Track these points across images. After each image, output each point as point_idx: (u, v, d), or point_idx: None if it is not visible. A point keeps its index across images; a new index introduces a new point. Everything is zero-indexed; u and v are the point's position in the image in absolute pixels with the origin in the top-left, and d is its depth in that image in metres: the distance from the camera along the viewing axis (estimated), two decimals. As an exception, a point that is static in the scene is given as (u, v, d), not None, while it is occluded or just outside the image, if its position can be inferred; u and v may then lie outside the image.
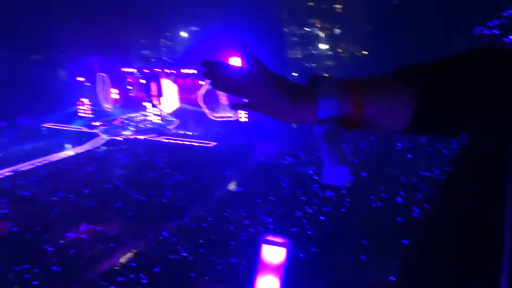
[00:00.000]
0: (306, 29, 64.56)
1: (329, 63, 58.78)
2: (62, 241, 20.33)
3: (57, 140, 39.68)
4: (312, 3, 65.36)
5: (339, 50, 61.87)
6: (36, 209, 23.75)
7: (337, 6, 64.63)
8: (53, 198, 25.42)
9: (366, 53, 54.59)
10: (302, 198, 23.37)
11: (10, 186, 27.93)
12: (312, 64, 59.47)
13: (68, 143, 37.84)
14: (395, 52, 38.76)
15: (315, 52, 62.15)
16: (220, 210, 23.09)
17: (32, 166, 32.12)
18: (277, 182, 26.39)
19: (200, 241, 19.72)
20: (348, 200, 22.48)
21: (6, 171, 30.72)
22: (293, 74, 54.50)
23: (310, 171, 27.61)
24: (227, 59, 39.15)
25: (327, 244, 18.14)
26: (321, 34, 63.64)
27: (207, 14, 50.56)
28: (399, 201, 21.22)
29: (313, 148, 32.05)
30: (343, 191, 23.54)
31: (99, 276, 17.75)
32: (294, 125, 40.46)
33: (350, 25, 59.67)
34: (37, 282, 17.10)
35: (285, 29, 58.95)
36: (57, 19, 47.10)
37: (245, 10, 44.63)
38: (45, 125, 46.95)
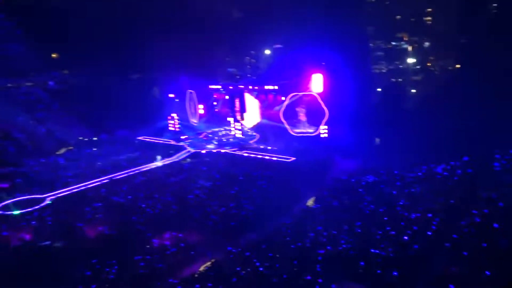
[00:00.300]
0: (393, 43, 62.29)
1: (416, 78, 55.82)
2: (148, 246, 21.62)
3: (148, 152, 42.72)
4: (399, 16, 62.98)
5: (428, 64, 58.54)
6: (126, 215, 25.67)
7: (427, 18, 61.43)
8: (142, 205, 27.28)
9: (459, 66, 50.90)
10: (383, 217, 22.17)
11: (106, 192, 30.57)
12: (398, 79, 57.07)
13: (158, 155, 40.44)
14: (490, 65, 35.67)
15: (402, 67, 59.48)
16: (297, 225, 22.84)
17: (125, 175, 34.92)
18: (357, 200, 25.42)
19: (277, 255, 19.62)
20: (435, 222, 20.81)
21: (104, 179, 33.81)
22: (378, 89, 52.80)
23: (393, 191, 26.16)
24: (310, 76, 39.30)
25: (410, 268, 16.90)
26: (409, 48, 60.84)
27: (291, 31, 51.21)
28: (496, 227, 19.07)
29: (397, 166, 30.48)
30: (429, 214, 21.88)
31: (180, 282, 18.51)
32: (378, 141, 38.94)
33: (441, 38, 56.27)
34: (124, 282, 18.37)
35: (370, 44, 57.53)
36: (153, 41, 51.14)
37: (329, 26, 44.40)
38: (139, 137, 50.97)
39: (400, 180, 27.98)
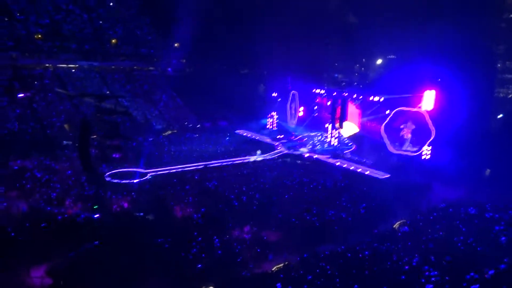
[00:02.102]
0: (527, 66, 55.29)
1: (551, 107, 48.72)
2: (227, 236, 22.40)
3: (244, 145, 44.24)
4: (539, 37, 55.60)
5: None
6: (214, 201, 26.91)
7: None
8: (230, 195, 28.35)
9: None
10: (480, 258, 19.85)
11: (199, 178, 32.36)
12: (527, 107, 50.46)
13: (254, 150, 41.64)
14: None
15: (534, 94, 52.52)
16: (379, 245, 21.64)
17: (219, 164, 36.64)
18: (452, 232, 23.14)
19: (353, 271, 18.86)
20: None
21: (199, 165, 35.91)
22: (499, 116, 47.32)
23: (496, 231, 23.20)
24: (421, 91, 36.77)
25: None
26: (546, 73, 53.41)
27: (408, 41, 48.41)
28: None
29: (506, 204, 27.06)
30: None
31: (251, 276, 18.87)
32: (488, 172, 34.99)
33: None
34: (200, 265, 19.31)
35: (498, 64, 51.83)
36: (266, 39, 52.63)
37: (451, 41, 40.93)
38: (238, 131, 53.07)
39: (507, 219, 24.76)
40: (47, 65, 54.16)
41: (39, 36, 54.43)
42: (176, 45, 68.73)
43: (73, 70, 56.18)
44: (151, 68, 64.00)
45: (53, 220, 23.00)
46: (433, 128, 35.77)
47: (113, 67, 59.82)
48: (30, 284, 18.13)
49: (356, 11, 54.65)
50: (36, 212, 23.90)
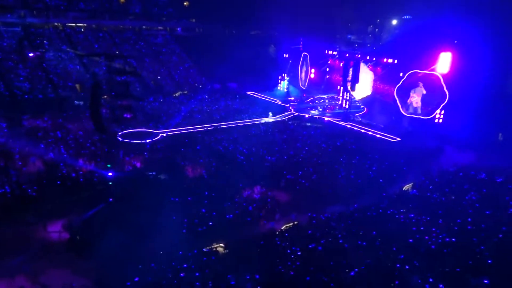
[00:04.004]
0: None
1: None
2: (237, 195, 22.77)
3: (254, 107, 44.00)
4: None
5: None
6: (222, 163, 27.16)
7: None
8: (240, 156, 28.51)
9: None
10: (488, 221, 19.97)
11: (209, 139, 32.42)
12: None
13: (264, 112, 41.47)
14: None
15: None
16: (388, 207, 21.84)
17: (229, 126, 36.67)
18: (460, 197, 23.15)
19: (360, 232, 19.14)
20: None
21: (209, 126, 35.99)
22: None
23: (506, 196, 23.13)
24: (437, 54, 35.68)
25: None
26: None
27: (427, 2, 46.60)
28: None
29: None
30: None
31: (259, 234, 19.32)
32: (501, 137, 34.48)
33: None
34: (211, 223, 19.79)
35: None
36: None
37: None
38: (248, 92, 52.63)
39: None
40: (56, 24, 53.45)
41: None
42: (185, 4, 67.05)
43: (82, 30, 55.44)
44: (160, 27, 62.80)
45: (68, 178, 23.55)
46: (447, 92, 35.01)
47: (121, 26, 58.82)
48: (48, 238, 18.85)
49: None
50: (51, 170, 24.36)
